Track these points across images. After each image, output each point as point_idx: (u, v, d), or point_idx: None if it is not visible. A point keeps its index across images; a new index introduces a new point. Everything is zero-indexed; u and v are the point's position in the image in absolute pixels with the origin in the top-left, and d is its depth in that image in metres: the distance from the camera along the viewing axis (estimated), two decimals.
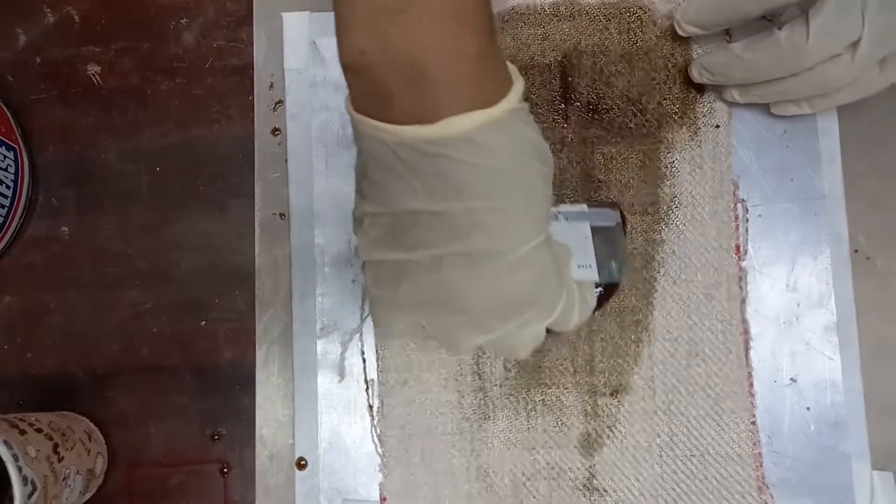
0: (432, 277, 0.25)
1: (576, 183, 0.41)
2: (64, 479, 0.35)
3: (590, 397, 0.40)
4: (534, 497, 0.39)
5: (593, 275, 0.35)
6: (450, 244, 0.25)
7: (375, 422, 0.40)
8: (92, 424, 0.40)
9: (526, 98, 0.26)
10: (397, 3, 0.22)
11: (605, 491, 0.39)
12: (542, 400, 0.40)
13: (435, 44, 0.22)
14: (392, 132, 0.23)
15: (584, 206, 0.37)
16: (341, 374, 0.40)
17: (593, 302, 0.31)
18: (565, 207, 0.37)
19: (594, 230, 0.36)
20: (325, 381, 0.40)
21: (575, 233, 0.36)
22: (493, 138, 0.24)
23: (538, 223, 0.26)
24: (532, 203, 0.25)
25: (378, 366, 0.40)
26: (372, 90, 0.23)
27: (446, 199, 0.24)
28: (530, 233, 0.25)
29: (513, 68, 0.26)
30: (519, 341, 0.28)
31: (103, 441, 0.40)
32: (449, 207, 0.24)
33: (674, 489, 0.39)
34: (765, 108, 0.41)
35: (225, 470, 0.40)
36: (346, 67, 0.24)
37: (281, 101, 0.42)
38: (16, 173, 0.41)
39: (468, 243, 0.24)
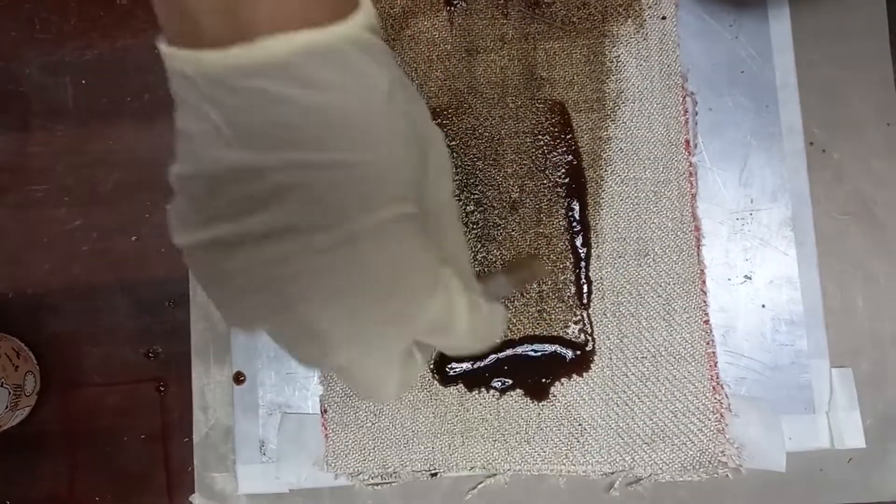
0: (254, 260, 0.19)
1: (518, 81, 0.39)
2: None
3: (536, 303, 0.38)
4: (480, 404, 0.38)
5: None
6: (267, 211, 0.19)
7: None
8: (22, 344, 0.38)
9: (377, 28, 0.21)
10: None
11: (554, 396, 0.38)
12: None
13: None
14: (194, 60, 0.18)
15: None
16: None
17: (501, 321, 0.26)
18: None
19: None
20: None
21: None
22: (323, 69, 0.18)
23: (396, 186, 0.20)
24: (387, 156, 0.20)
25: None
26: (176, 13, 0.19)
27: (262, 148, 0.18)
28: (383, 197, 0.20)
29: None
30: (378, 371, 0.23)
31: (34, 361, 0.38)
32: (265, 160, 0.18)
33: (624, 391, 0.37)
34: None
35: (161, 388, 0.39)
36: None
37: None
38: None
39: (292, 209, 0.19)
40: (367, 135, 0.19)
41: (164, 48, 0.19)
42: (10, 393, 0.35)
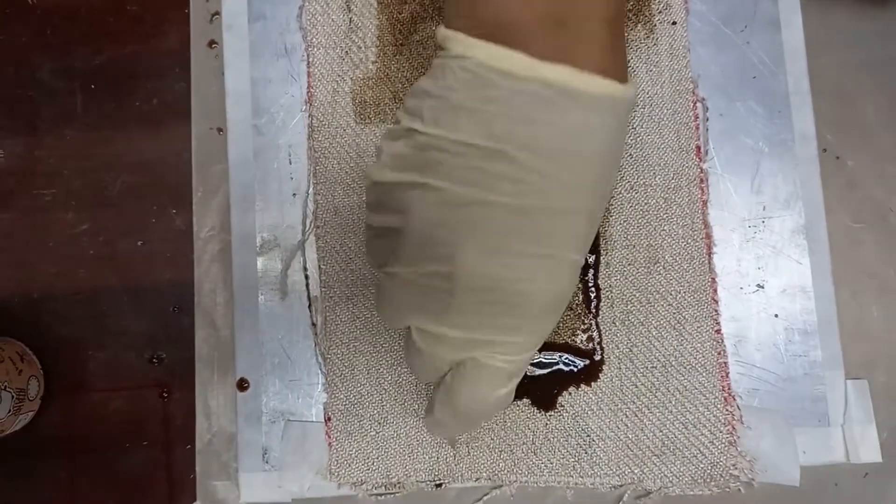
0: (428, 239, 0.23)
1: None
2: None
3: None
4: None
5: None
6: (489, 193, 0.22)
7: (319, 339, 0.38)
8: (26, 348, 0.38)
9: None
10: None
11: (562, 406, 0.37)
12: None
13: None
14: (506, 57, 0.22)
15: None
16: (283, 292, 0.38)
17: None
18: None
19: None
20: (266, 300, 0.38)
21: None
22: (609, 115, 0.22)
23: (588, 238, 0.24)
24: (598, 206, 0.24)
25: (321, 282, 0.38)
26: (494, 23, 0.22)
27: (513, 145, 0.22)
28: (583, 241, 0.24)
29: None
30: (490, 382, 0.27)
31: (38, 365, 0.38)
32: (522, 158, 0.22)
33: (633, 402, 0.37)
34: (724, 4, 0.39)
35: (165, 394, 0.39)
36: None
37: (217, 13, 0.40)
38: None
39: (512, 204, 0.22)
40: (598, 179, 0.23)
41: (477, 41, 0.22)
42: (13, 397, 0.35)
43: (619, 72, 0.23)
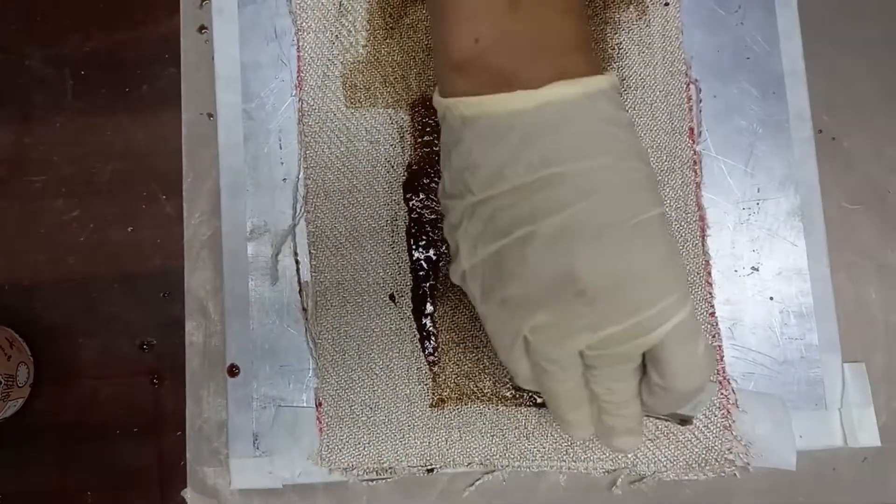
0: (548, 256, 0.25)
1: None
2: None
3: None
4: (478, 398, 0.37)
5: None
6: (566, 208, 0.25)
7: (309, 324, 0.38)
8: (15, 334, 0.38)
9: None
10: None
11: None
12: None
13: (548, 27, 0.26)
14: (525, 99, 0.25)
15: None
16: (273, 278, 0.38)
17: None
18: None
19: None
20: (256, 285, 0.38)
21: None
22: (604, 101, 0.25)
23: (649, 194, 0.26)
24: (646, 166, 0.26)
25: (312, 266, 0.38)
26: (488, 74, 0.25)
27: (557, 163, 0.25)
28: (644, 201, 0.25)
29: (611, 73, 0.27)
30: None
31: (28, 352, 0.38)
32: (568, 168, 0.25)
33: None
34: None
35: (155, 381, 0.38)
36: (459, 58, 0.26)
37: None
38: None
39: (588, 202, 0.25)
40: (627, 145, 0.26)
41: (468, 99, 0.26)
42: (1, 383, 0.35)
43: (598, 67, 0.27)
